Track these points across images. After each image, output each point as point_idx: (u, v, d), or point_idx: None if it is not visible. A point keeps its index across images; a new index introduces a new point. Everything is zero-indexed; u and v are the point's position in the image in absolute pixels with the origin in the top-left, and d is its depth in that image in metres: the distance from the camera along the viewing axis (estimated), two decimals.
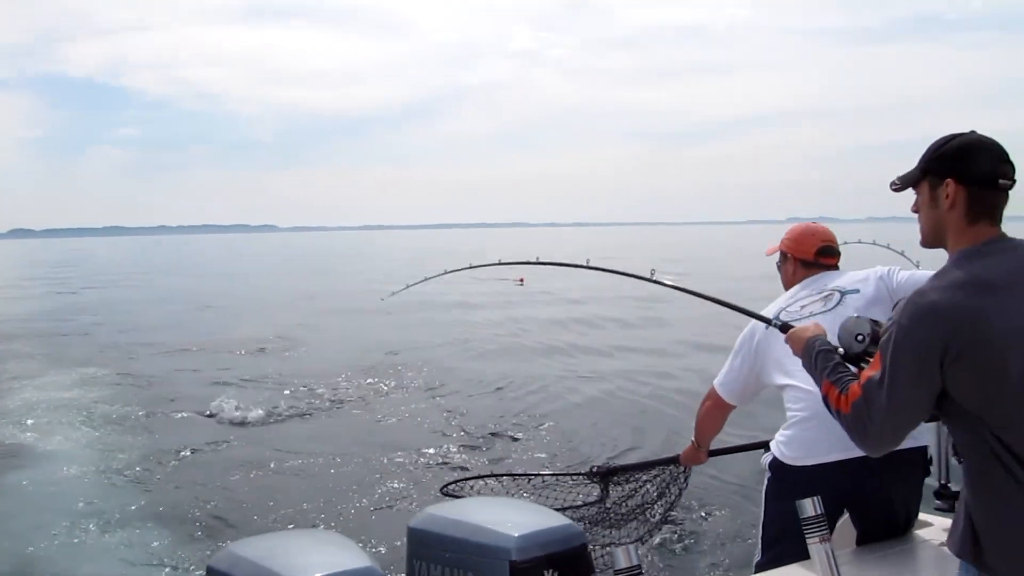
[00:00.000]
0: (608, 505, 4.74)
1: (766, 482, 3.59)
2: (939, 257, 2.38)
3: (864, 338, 2.56)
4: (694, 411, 4.16)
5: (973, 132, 2.32)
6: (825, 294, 3.58)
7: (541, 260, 4.05)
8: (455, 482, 4.81)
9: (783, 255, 3.90)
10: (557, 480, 5.00)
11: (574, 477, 4.96)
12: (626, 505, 4.76)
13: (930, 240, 2.37)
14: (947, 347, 2.10)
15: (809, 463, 3.34)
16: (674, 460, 4.55)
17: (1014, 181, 2.26)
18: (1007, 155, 2.26)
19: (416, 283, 4.84)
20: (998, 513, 2.14)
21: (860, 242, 5.23)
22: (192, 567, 6.61)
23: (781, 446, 3.47)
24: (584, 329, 21.46)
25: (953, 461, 4.13)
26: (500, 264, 4.26)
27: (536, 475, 5.20)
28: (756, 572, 3.46)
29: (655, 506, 4.72)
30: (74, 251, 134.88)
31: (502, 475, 5.29)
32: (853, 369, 2.50)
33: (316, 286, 40.32)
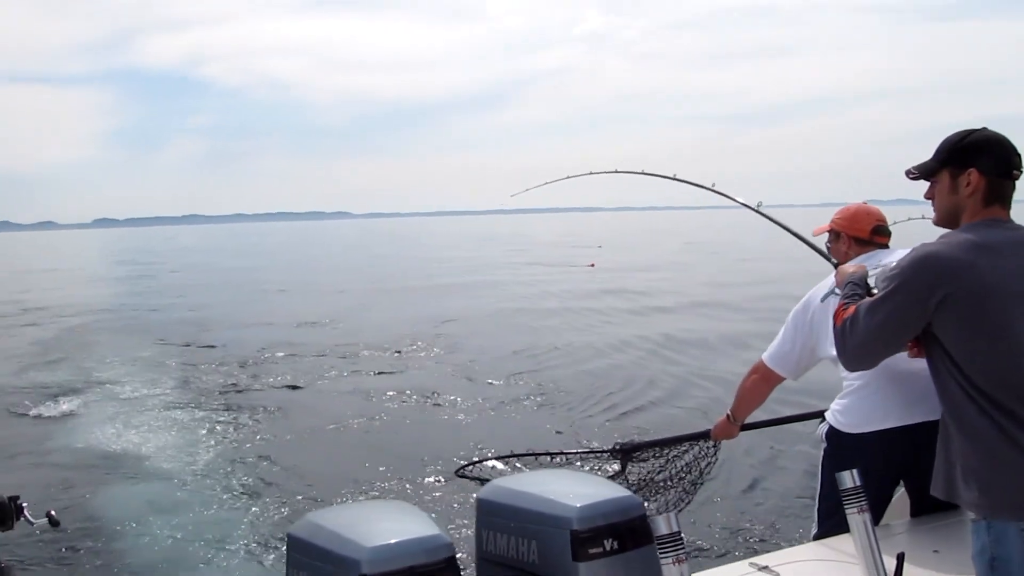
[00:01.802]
0: (631, 481, 4.73)
1: (823, 452, 3.65)
2: None
3: None
4: (720, 388, 4.20)
5: (985, 128, 2.60)
6: (880, 268, 3.66)
7: (676, 176, 4.38)
8: (471, 464, 4.83)
9: (836, 234, 3.97)
10: (581, 459, 5.01)
11: (598, 455, 4.97)
12: (651, 482, 4.76)
13: (946, 221, 2.63)
14: (935, 290, 2.40)
15: (866, 430, 3.41)
16: (704, 435, 4.54)
17: (1022, 172, 2.58)
18: (1016, 149, 2.58)
19: (536, 186, 4.99)
20: (976, 448, 2.35)
21: (924, 217, 5.23)
22: (274, 536, 6.94)
23: (837, 414, 3.54)
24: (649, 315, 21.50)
25: None
26: (617, 172, 4.46)
27: (557, 453, 5.22)
28: (811, 542, 3.55)
29: (683, 482, 4.71)
30: (158, 240, 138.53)
31: (522, 455, 5.32)
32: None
33: (386, 268, 40.99)
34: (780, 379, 3.92)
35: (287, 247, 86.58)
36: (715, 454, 4.65)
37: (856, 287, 2.85)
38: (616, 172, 4.35)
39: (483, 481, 4.80)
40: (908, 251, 3.72)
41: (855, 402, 3.48)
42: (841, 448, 3.51)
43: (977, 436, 2.36)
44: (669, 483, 4.73)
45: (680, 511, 4.92)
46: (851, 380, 3.51)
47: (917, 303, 2.45)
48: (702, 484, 4.79)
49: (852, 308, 2.64)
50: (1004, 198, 2.56)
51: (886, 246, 3.88)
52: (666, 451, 4.74)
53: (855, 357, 2.66)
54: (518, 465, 5.17)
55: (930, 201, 2.70)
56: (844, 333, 2.62)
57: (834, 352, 3.61)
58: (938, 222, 2.67)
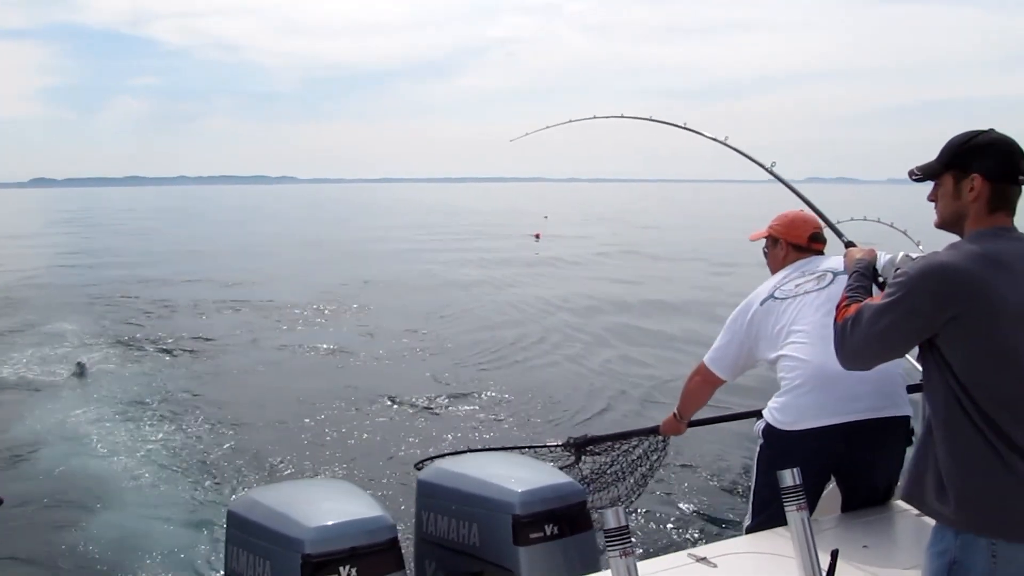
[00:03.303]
0: (584, 474, 4.83)
1: (758, 449, 3.72)
2: (943, 238, 2.56)
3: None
4: (668, 380, 4.27)
5: (992, 130, 2.50)
6: (818, 275, 3.77)
7: (686, 125, 4.37)
8: (430, 459, 4.88)
9: (773, 240, 4.06)
10: (535, 452, 5.05)
11: (552, 449, 5.01)
12: (603, 474, 4.85)
13: (948, 226, 2.54)
14: (946, 307, 2.30)
15: (802, 427, 3.48)
16: (654, 430, 4.65)
17: None
18: (1023, 152, 2.47)
19: (536, 130, 4.89)
20: (961, 462, 2.31)
21: (866, 219, 5.32)
22: (213, 511, 6.84)
23: (774, 412, 3.61)
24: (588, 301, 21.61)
25: None
26: (623, 117, 4.47)
27: (512, 448, 5.31)
28: (745, 535, 3.63)
29: (633, 475, 4.82)
30: (97, 200, 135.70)
31: (478, 450, 5.37)
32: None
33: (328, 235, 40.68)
34: (721, 380, 3.98)
35: (228, 209, 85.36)
36: (664, 449, 4.76)
37: (862, 278, 2.83)
38: (622, 117, 4.31)
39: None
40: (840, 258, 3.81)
41: (791, 400, 3.54)
42: (776, 444, 3.58)
43: (966, 452, 2.30)
44: (621, 476, 4.83)
45: (631, 504, 5.04)
46: (787, 379, 3.59)
47: (925, 317, 2.35)
48: (652, 478, 4.90)
49: (854, 307, 2.56)
50: (1009, 204, 2.47)
51: (822, 252, 3.99)
52: (618, 445, 4.83)
53: (851, 358, 2.58)
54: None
55: (933, 204, 2.58)
56: (844, 332, 2.55)
57: (771, 353, 3.71)
58: (940, 225, 2.58)
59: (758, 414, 3.83)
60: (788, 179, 4.26)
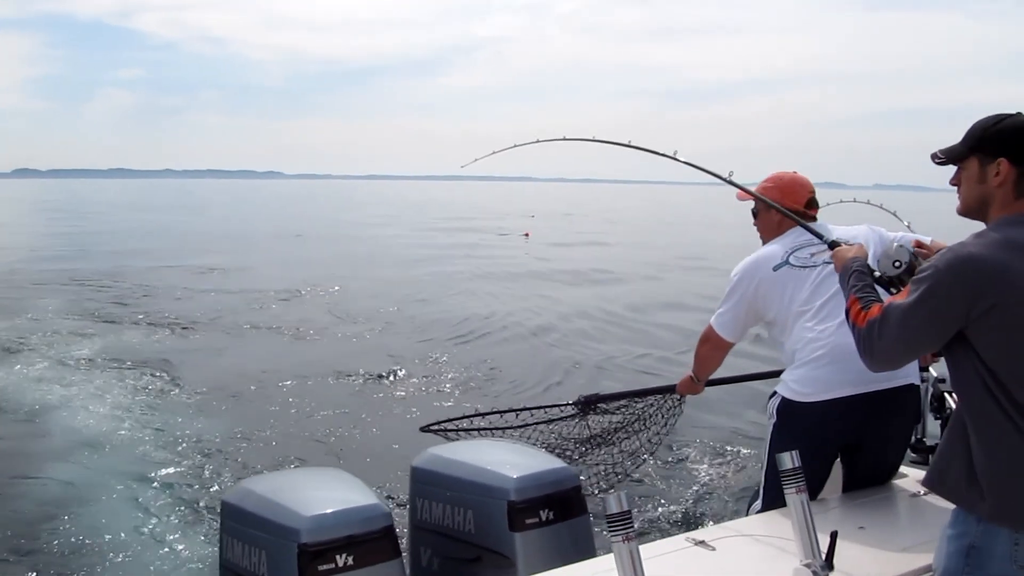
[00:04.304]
0: (595, 432, 4.86)
1: (771, 428, 3.66)
2: (931, 227, 2.51)
3: (901, 265, 2.79)
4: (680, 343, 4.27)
5: (1020, 114, 2.42)
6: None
7: (630, 143, 4.09)
8: (439, 422, 4.85)
9: (766, 203, 3.85)
10: (546, 412, 5.03)
11: (562, 408, 5.02)
12: (615, 433, 4.88)
13: (972, 212, 2.48)
14: (978, 299, 2.24)
15: (824, 398, 3.44)
16: (670, 389, 4.63)
17: None
18: None
19: (484, 156, 4.84)
20: (994, 454, 2.27)
21: (856, 201, 5.32)
22: (207, 502, 6.83)
23: (791, 384, 3.56)
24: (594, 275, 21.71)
25: (930, 416, 4.31)
26: (565, 140, 4.30)
27: (521, 409, 5.23)
28: (746, 517, 3.63)
29: (647, 433, 4.83)
30: (83, 192, 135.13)
31: (486, 413, 5.37)
32: (881, 291, 2.72)
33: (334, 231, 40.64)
34: (730, 343, 3.92)
35: (213, 203, 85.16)
36: (680, 408, 4.75)
37: (864, 276, 2.73)
38: (564, 139, 4.28)
39: (449, 438, 4.80)
40: (854, 230, 3.74)
41: (809, 372, 3.49)
42: (791, 419, 3.53)
43: (998, 442, 2.27)
44: (631, 433, 4.85)
45: (640, 464, 5.04)
46: (804, 352, 3.53)
47: (956, 311, 2.28)
48: (666, 435, 4.91)
49: (876, 309, 2.48)
50: None
51: (815, 218, 3.83)
52: (631, 403, 4.83)
53: (882, 361, 2.51)
54: (483, 425, 5.17)
55: (956, 188, 2.51)
56: (871, 337, 2.45)
57: (779, 320, 3.64)
58: (962, 212, 2.51)
59: (776, 375, 3.78)
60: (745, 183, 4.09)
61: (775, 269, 3.63)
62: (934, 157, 2.52)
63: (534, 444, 4.83)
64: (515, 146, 4.51)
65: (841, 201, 5.19)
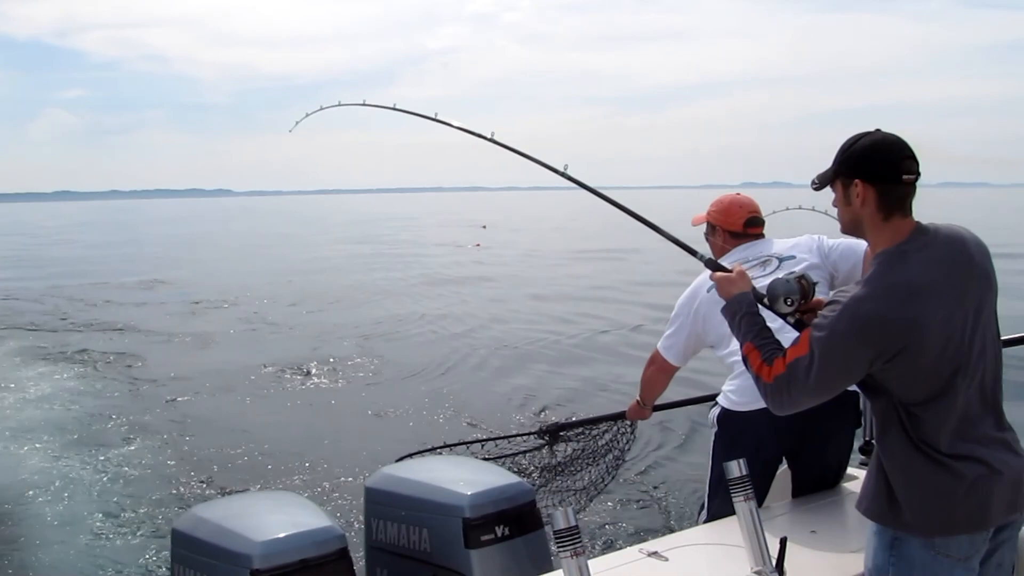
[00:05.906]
0: (559, 460, 4.92)
1: (713, 437, 3.76)
2: None
3: (793, 302, 2.71)
4: (634, 362, 4.33)
5: (878, 131, 2.46)
6: (762, 260, 3.77)
7: (396, 107, 4.10)
8: (409, 455, 4.89)
9: (711, 226, 4.05)
10: (509, 442, 5.14)
11: (524, 438, 5.11)
12: (577, 461, 4.94)
13: (850, 232, 2.55)
14: (884, 353, 2.30)
15: (755, 407, 3.44)
16: (620, 416, 4.73)
17: (918, 174, 2.41)
18: (910, 150, 2.42)
19: (314, 112, 4.82)
20: (905, 471, 2.37)
21: (800, 208, 5.39)
22: (158, 530, 6.68)
23: (729, 394, 3.66)
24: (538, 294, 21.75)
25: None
26: (365, 104, 4.33)
27: (487, 440, 5.37)
28: (703, 524, 3.66)
29: (604, 460, 4.90)
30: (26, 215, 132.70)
31: (455, 444, 5.43)
32: (776, 330, 2.67)
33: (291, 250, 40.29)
34: (675, 367, 4.01)
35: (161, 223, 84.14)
36: (632, 433, 4.84)
37: (755, 319, 2.67)
38: (364, 104, 4.32)
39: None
40: (790, 242, 3.83)
41: (744, 381, 3.55)
42: (732, 427, 3.63)
43: (906, 460, 2.37)
44: (593, 462, 4.91)
45: (603, 490, 5.08)
46: (739, 363, 3.59)
47: (863, 366, 2.35)
48: (623, 462, 5.00)
49: (779, 364, 2.47)
50: (901, 203, 2.42)
51: (762, 236, 3.98)
52: (588, 430, 4.92)
53: (791, 409, 2.49)
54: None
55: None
56: (780, 393, 2.46)
57: (719, 342, 3.72)
58: (843, 231, 2.59)
59: (708, 399, 3.86)
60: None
61: (708, 291, 3.70)
62: (812, 184, 2.57)
63: (514, 447, 4.92)
64: (340, 104, 4.54)
65: (788, 208, 5.27)
